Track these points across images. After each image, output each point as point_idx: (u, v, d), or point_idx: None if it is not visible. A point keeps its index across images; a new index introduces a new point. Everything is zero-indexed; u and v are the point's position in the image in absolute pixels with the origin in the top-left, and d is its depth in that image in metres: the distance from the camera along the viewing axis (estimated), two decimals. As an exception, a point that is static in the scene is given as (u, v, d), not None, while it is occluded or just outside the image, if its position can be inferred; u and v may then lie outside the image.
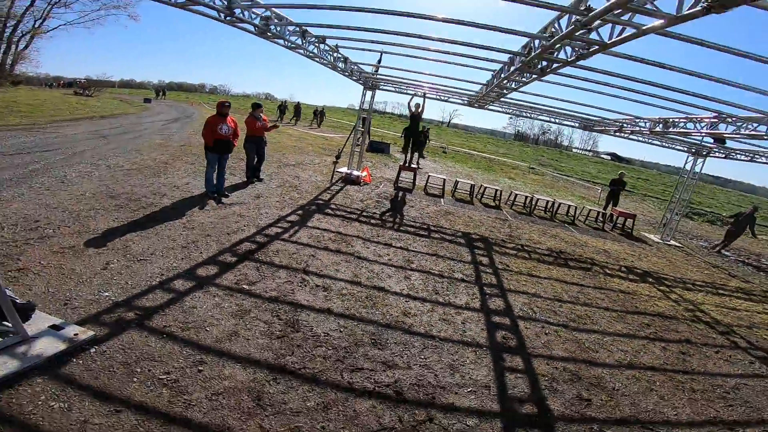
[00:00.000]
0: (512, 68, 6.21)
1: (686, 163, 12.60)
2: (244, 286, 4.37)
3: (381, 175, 13.26)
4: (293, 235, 6.26)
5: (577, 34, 4.11)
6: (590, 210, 13.45)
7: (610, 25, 3.96)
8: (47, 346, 2.93)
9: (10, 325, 2.88)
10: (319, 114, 32.40)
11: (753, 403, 4.12)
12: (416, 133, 11.80)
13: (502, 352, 4.10)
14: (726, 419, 3.76)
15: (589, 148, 79.29)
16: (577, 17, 3.91)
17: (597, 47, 4.36)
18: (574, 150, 74.24)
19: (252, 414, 2.72)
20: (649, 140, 11.85)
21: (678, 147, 12.11)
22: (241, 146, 8.75)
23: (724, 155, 11.50)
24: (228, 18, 5.71)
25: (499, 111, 12.04)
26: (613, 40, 4.07)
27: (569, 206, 12.78)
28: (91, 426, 2.36)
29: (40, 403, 2.44)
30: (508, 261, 7.03)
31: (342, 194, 9.66)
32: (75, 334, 3.11)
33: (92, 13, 39.63)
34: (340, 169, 11.76)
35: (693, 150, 12.05)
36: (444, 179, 12.59)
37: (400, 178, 12.28)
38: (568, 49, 4.86)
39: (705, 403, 3.95)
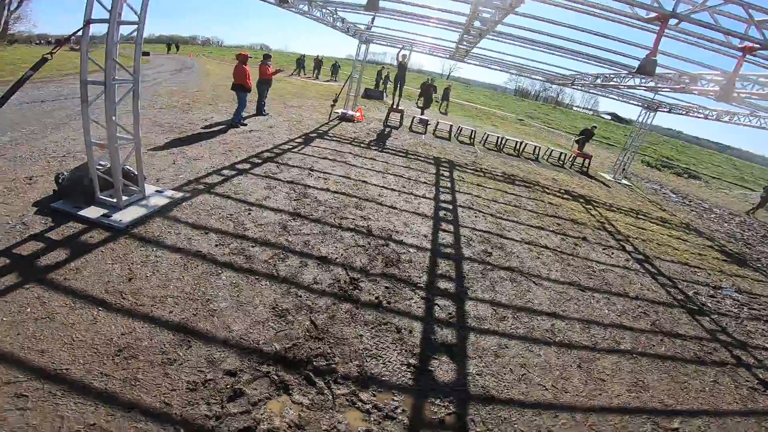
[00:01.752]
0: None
1: (639, 116, 14.50)
2: (270, 174, 6.50)
3: (373, 116, 15.10)
4: (300, 150, 8.36)
5: None
6: (553, 150, 15.42)
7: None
8: (157, 201, 4.95)
9: (135, 188, 4.92)
10: (337, 67, 33.08)
11: (608, 280, 5.71)
12: (403, 78, 13.52)
13: (441, 222, 6.25)
14: (582, 284, 5.36)
15: (590, 107, 79.28)
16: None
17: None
18: (575, 108, 74.51)
19: (281, 234, 4.83)
20: (604, 93, 13.70)
21: (633, 102, 13.96)
22: (254, 87, 10.62)
23: (668, 110, 13.36)
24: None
25: (475, 65, 13.67)
26: None
27: (535, 146, 14.75)
28: (194, 241, 4.35)
29: (161, 231, 4.38)
30: (465, 176, 9.15)
31: (338, 128, 11.65)
32: (172, 195, 5.19)
33: None
34: (337, 110, 13.59)
35: (645, 105, 13.92)
36: (426, 120, 14.50)
37: (389, 118, 14.15)
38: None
39: (572, 272, 5.62)
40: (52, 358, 2.56)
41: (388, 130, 12.97)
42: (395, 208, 6.32)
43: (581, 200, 9.85)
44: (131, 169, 4.89)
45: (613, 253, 6.87)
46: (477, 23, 6.83)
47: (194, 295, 3.38)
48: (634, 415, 3.27)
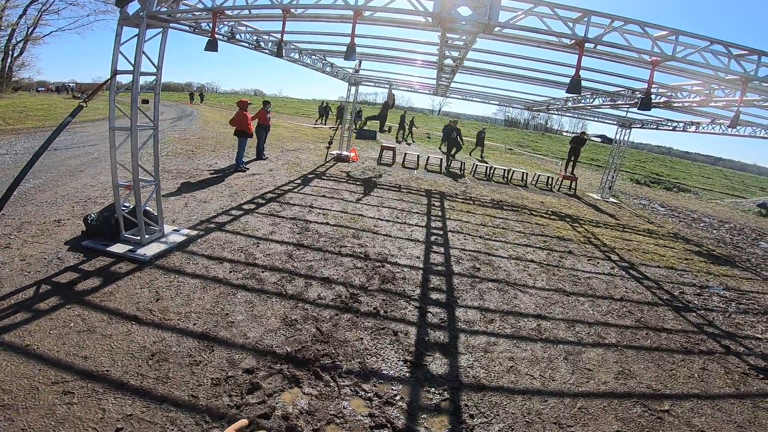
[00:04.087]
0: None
1: (616, 134, 15.30)
2: (274, 213, 7.06)
3: (367, 156, 15.90)
4: (300, 190, 8.98)
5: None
6: (540, 175, 16.12)
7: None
8: (175, 238, 5.51)
9: (155, 227, 5.47)
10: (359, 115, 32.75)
11: (594, 286, 6.10)
12: (384, 117, 14.27)
13: (432, 245, 6.75)
14: (567, 290, 5.75)
15: (579, 132, 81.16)
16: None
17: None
18: (564, 133, 76.62)
19: (287, 261, 5.33)
20: (579, 116, 14.56)
21: (608, 120, 14.80)
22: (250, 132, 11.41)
23: (640, 125, 14.20)
24: (255, 48, 8.05)
25: (459, 98, 14.61)
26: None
27: (523, 173, 15.47)
28: (210, 269, 4.87)
29: (181, 262, 4.94)
30: (455, 205, 9.72)
31: (334, 168, 12.36)
32: (187, 233, 5.73)
33: (82, 19, 40.88)
34: (332, 151, 14.37)
35: (620, 123, 14.77)
36: (418, 155, 15.28)
37: (382, 156, 14.92)
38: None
39: (557, 281, 6.06)
40: (94, 362, 3.00)
41: (382, 167, 13.69)
42: (390, 236, 6.84)
43: (567, 219, 10.38)
44: (151, 210, 5.45)
45: (598, 263, 7.25)
46: (447, 61, 7.55)
47: (214, 311, 3.85)
48: (622, 399, 3.57)
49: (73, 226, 5.34)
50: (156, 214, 5.45)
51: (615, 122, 14.91)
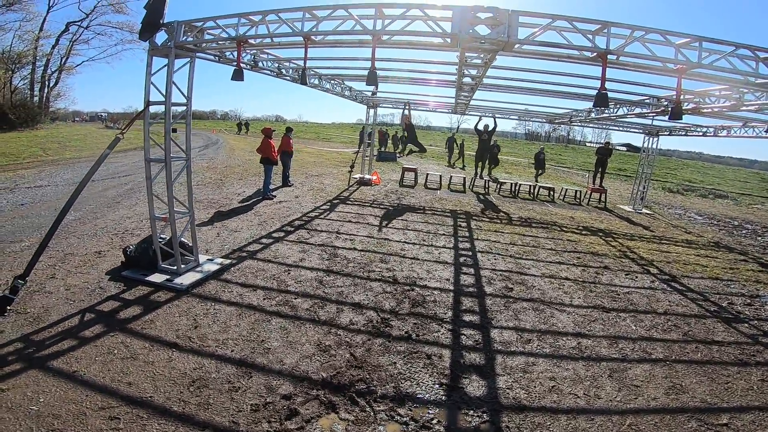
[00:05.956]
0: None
1: (644, 142, 14.97)
2: (302, 240, 7.18)
3: (389, 178, 16.04)
4: (327, 216, 9.11)
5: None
6: (567, 189, 15.83)
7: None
8: (210, 267, 5.65)
9: (190, 257, 5.63)
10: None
11: (634, 300, 5.88)
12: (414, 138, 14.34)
13: (462, 266, 6.69)
14: (606, 306, 5.56)
15: (603, 141, 79.82)
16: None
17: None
18: (588, 144, 75.44)
19: (318, 288, 5.38)
20: (604, 126, 14.37)
21: (633, 129, 14.53)
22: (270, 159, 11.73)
23: (668, 132, 13.88)
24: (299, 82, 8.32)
25: (478, 115, 14.60)
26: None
27: (549, 188, 15.25)
28: (245, 297, 4.96)
29: (217, 291, 5.06)
30: (482, 224, 9.65)
31: (358, 192, 12.51)
32: (221, 262, 5.88)
33: (110, 49, 43.07)
34: (355, 176, 14.58)
35: (646, 131, 14.47)
36: (440, 175, 15.31)
37: (404, 178, 15.02)
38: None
39: (595, 297, 5.83)
40: (138, 389, 3.10)
41: (404, 189, 13.78)
42: (417, 258, 6.82)
43: (600, 234, 10.12)
44: (186, 240, 5.64)
45: (636, 277, 6.99)
46: (466, 79, 7.62)
47: (250, 337, 3.92)
48: (675, 414, 3.40)
49: (113, 257, 5.57)
50: (191, 244, 5.64)
51: (641, 131, 14.60)
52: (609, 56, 4.39)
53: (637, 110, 9.74)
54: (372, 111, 14.97)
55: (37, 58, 33.37)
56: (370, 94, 13.25)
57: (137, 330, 3.89)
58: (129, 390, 3.09)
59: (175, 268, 5.13)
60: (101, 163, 4.77)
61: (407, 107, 12.63)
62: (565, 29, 4.33)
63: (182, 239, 5.49)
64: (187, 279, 5.02)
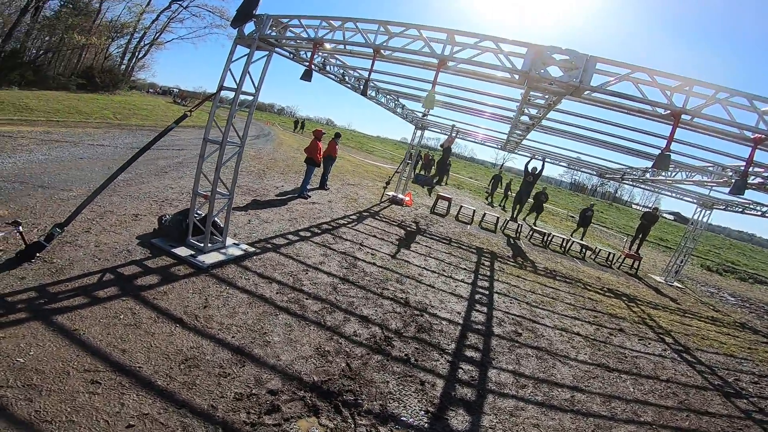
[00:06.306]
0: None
1: (695, 213, 14.38)
2: (326, 244, 7.33)
3: (421, 202, 16.09)
4: (354, 226, 9.25)
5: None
6: (601, 249, 15.38)
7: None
8: (234, 251, 5.86)
9: (219, 238, 5.87)
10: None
11: (640, 365, 5.78)
12: (444, 164, 14.20)
13: (475, 303, 6.64)
14: (610, 366, 5.49)
15: (651, 206, 76.94)
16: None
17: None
18: (634, 206, 72.76)
19: (330, 293, 5.48)
20: (658, 190, 13.92)
21: (687, 198, 13.98)
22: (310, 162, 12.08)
23: (724, 207, 13.25)
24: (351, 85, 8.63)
25: (526, 156, 14.45)
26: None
27: (582, 245, 14.86)
28: (259, 287, 5.13)
29: (234, 275, 5.27)
30: (505, 267, 9.51)
31: (388, 210, 12.62)
32: (246, 249, 6.08)
33: (199, 30, 45.74)
34: (388, 192, 14.72)
35: (700, 202, 13.89)
36: (474, 210, 15.23)
37: (436, 205, 15.03)
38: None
39: (602, 356, 5.88)
40: (130, 357, 3.24)
41: (435, 217, 13.79)
42: (433, 287, 6.81)
43: (624, 298, 9.78)
44: (218, 221, 5.89)
45: (649, 344, 6.82)
46: (524, 118, 7.59)
47: (254, 328, 4.05)
48: None
49: (147, 223, 5.89)
50: (222, 225, 5.88)
51: (695, 200, 14.03)
52: (683, 116, 4.12)
53: (697, 177, 9.30)
54: (419, 132, 15.13)
55: (136, 30, 35.86)
56: (421, 114, 13.44)
57: (149, 299, 4.09)
58: (121, 357, 3.21)
59: (202, 245, 5.35)
60: (164, 135, 5.09)
61: (454, 131, 12.72)
62: (643, 82, 4.08)
63: (216, 219, 5.74)
64: (209, 258, 5.24)
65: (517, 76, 4.42)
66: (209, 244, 5.44)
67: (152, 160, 10.21)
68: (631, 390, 4.93)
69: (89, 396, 2.77)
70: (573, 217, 30.76)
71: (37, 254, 4.25)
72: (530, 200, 16.27)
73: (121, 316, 3.70)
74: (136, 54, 37.87)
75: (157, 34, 38.22)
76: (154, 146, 5.10)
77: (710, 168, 8.57)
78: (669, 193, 14.23)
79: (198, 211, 5.57)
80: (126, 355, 3.24)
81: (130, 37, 35.99)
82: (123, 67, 36.55)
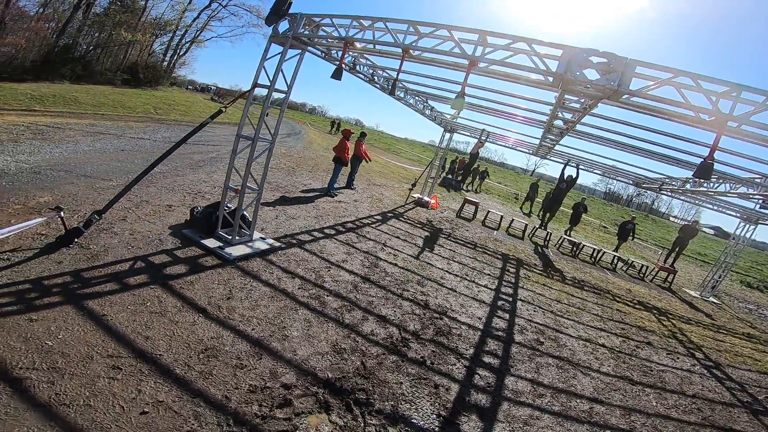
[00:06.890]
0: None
1: (737, 228, 13.69)
2: (350, 242, 7.41)
3: (447, 206, 15.99)
4: (378, 226, 9.31)
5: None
6: (633, 261, 14.85)
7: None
8: (260, 245, 6.00)
9: (246, 231, 6.03)
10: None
11: (666, 379, 5.57)
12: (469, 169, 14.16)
13: (498, 309, 6.55)
14: (634, 379, 5.32)
15: (690, 219, 73.60)
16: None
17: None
18: (672, 218, 69.79)
19: (351, 291, 5.54)
20: (698, 202, 13.30)
21: (730, 212, 13.32)
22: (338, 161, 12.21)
23: None
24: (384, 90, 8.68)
25: (559, 162, 14.12)
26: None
27: (614, 256, 14.40)
28: (282, 281, 5.26)
29: (259, 269, 5.40)
30: (531, 275, 9.34)
31: (413, 212, 12.62)
32: (272, 243, 6.22)
33: (237, 29, 47.02)
34: (414, 194, 14.70)
35: (744, 216, 13.22)
36: (501, 216, 15.01)
37: (463, 209, 14.90)
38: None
39: (626, 369, 5.68)
40: (152, 344, 3.36)
41: (461, 221, 13.69)
42: (455, 291, 6.77)
43: (654, 311, 9.42)
44: (247, 215, 6.05)
45: (678, 358, 6.56)
46: (558, 122, 7.41)
47: (274, 321, 4.15)
48: None
49: (180, 214, 6.13)
50: (250, 219, 6.04)
51: (738, 214, 13.34)
52: (729, 123, 3.85)
53: (742, 189, 8.75)
54: (448, 135, 15.04)
55: (179, 27, 37.23)
56: (449, 117, 13.36)
57: (176, 288, 4.26)
58: (144, 344, 3.34)
59: (230, 237, 5.52)
60: (200, 129, 5.30)
61: (484, 135, 12.60)
62: (686, 87, 3.84)
63: (245, 213, 5.90)
64: (236, 251, 5.40)
65: (551, 79, 4.31)
66: (237, 237, 5.61)
67: (188, 155, 10.60)
68: (654, 404, 4.77)
69: (109, 381, 2.88)
70: (605, 227, 29.85)
71: (75, 240, 4.50)
72: (568, 210, 15.87)
73: (148, 304, 3.87)
74: (178, 51, 39.30)
75: (198, 32, 39.51)
76: (190, 141, 5.30)
77: (757, 179, 8.12)
78: (710, 206, 13.61)
79: (228, 205, 5.74)
80: (149, 342, 3.37)
81: (172, 34, 37.34)
82: (165, 63, 37.97)
